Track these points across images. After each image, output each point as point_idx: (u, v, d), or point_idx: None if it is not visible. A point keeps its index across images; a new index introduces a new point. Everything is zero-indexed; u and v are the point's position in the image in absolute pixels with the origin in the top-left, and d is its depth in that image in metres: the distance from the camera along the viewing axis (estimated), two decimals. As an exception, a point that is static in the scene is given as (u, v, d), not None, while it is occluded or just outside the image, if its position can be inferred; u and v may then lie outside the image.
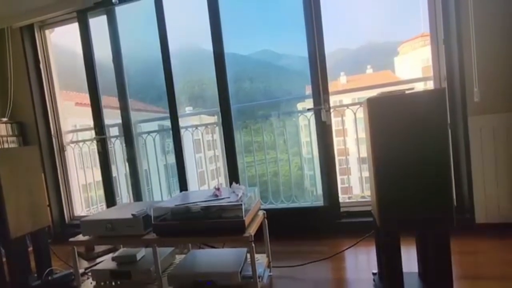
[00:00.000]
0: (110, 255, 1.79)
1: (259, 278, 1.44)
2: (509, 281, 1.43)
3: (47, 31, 2.95)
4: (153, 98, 3.14)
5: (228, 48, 2.43)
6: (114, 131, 2.89)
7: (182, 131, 2.63)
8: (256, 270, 1.40)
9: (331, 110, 2.27)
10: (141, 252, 1.76)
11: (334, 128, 2.28)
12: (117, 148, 2.93)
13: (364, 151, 1.44)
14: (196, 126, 2.78)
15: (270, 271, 1.72)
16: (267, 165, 2.64)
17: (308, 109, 2.35)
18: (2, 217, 1.65)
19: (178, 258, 1.87)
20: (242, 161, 2.60)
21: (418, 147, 1.18)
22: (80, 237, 1.62)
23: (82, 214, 3.07)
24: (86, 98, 2.81)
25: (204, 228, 1.42)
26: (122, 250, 1.84)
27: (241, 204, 1.39)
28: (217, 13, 2.39)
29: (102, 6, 2.59)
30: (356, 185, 2.91)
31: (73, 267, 1.64)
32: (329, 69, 2.24)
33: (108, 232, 1.55)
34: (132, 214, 1.52)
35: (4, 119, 2.80)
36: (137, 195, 2.75)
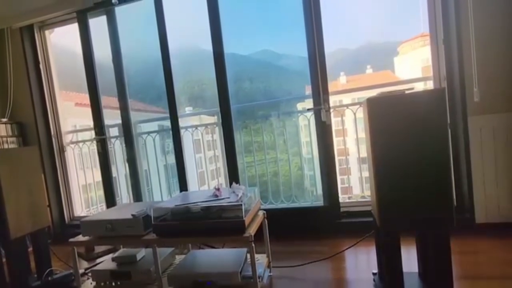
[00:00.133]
0: (110, 256, 1.79)
1: (259, 278, 1.44)
2: (509, 281, 1.43)
3: (46, 32, 2.95)
4: (153, 98, 3.14)
5: (228, 48, 2.43)
6: (114, 132, 2.89)
7: (182, 131, 2.63)
8: (256, 270, 1.40)
9: (331, 110, 2.27)
10: (141, 253, 1.76)
11: (334, 128, 2.28)
12: (117, 149, 2.93)
13: (364, 151, 1.44)
14: (196, 126, 2.78)
15: (270, 271, 1.72)
16: (267, 165, 2.64)
17: (308, 109, 2.35)
18: (2, 217, 1.65)
19: (178, 258, 1.87)
20: (242, 161, 2.60)
21: (418, 147, 1.18)
22: (80, 238, 1.62)
23: (82, 214, 3.07)
24: (86, 98, 2.80)
25: (204, 228, 1.41)
26: (122, 251, 1.84)
27: (241, 204, 1.39)
28: (217, 13, 2.39)
29: (102, 7, 2.59)
30: (356, 185, 2.91)
31: (73, 268, 1.64)
32: (329, 69, 2.24)
33: (108, 233, 1.55)
34: (132, 215, 1.52)
35: (4, 120, 2.80)
36: (137, 196, 2.75)
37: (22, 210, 1.74)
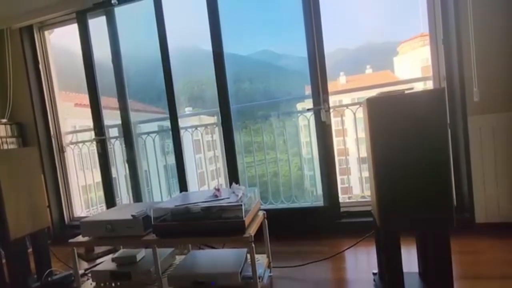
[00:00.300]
0: (110, 256, 1.79)
1: (259, 278, 1.44)
2: (509, 281, 1.43)
3: (46, 32, 2.94)
4: (152, 98, 3.14)
5: (228, 48, 2.43)
6: (113, 132, 2.88)
7: (181, 131, 2.63)
8: (256, 270, 1.39)
9: (331, 110, 2.27)
10: (141, 253, 1.75)
11: (333, 128, 2.28)
12: (116, 149, 2.93)
13: (364, 151, 1.44)
14: (196, 127, 2.78)
15: (270, 272, 1.72)
16: (267, 165, 2.64)
17: (308, 109, 2.35)
18: (2, 218, 1.64)
19: (178, 258, 1.87)
20: (242, 161, 2.60)
21: (418, 147, 1.18)
22: (80, 238, 1.62)
23: (82, 215, 3.06)
24: (85, 98, 2.80)
25: (204, 228, 1.41)
26: (122, 251, 1.84)
27: (241, 205, 1.39)
28: (216, 13, 2.39)
29: (101, 7, 2.59)
30: (356, 185, 2.91)
31: (73, 268, 1.64)
32: (329, 69, 2.24)
33: (108, 233, 1.54)
34: (132, 215, 1.52)
35: (4, 120, 2.79)
36: (137, 196, 2.74)
37: (22, 211, 1.74)
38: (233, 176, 2.47)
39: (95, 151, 2.81)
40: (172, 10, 2.53)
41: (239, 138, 2.59)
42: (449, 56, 2.03)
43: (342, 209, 2.31)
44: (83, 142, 3.03)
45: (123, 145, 2.75)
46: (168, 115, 2.59)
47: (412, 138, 1.18)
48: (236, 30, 2.66)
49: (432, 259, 1.28)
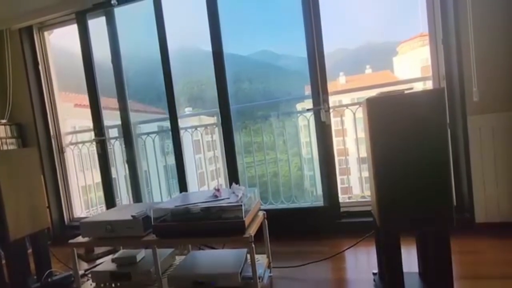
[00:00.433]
0: (110, 257, 1.79)
1: (259, 278, 1.44)
2: (509, 281, 1.43)
3: (46, 33, 2.94)
4: (152, 99, 3.14)
5: (227, 48, 2.43)
6: (113, 133, 2.88)
7: (181, 132, 2.63)
8: (256, 270, 1.39)
9: (331, 110, 2.27)
10: (141, 254, 1.75)
11: (333, 128, 2.28)
12: (116, 150, 2.93)
13: (364, 151, 1.44)
14: (196, 127, 2.78)
15: (270, 272, 1.72)
16: (266, 165, 2.64)
17: (308, 110, 2.35)
18: (2, 218, 1.64)
19: (178, 259, 1.87)
20: (241, 161, 2.60)
21: (418, 147, 1.18)
22: (80, 239, 1.62)
23: (82, 215, 3.06)
24: (85, 99, 2.80)
25: (204, 229, 1.41)
26: (122, 252, 1.84)
27: (241, 205, 1.39)
28: (216, 13, 2.39)
29: (101, 8, 2.59)
30: (356, 185, 2.91)
31: (72, 269, 1.64)
32: (328, 69, 2.24)
33: (107, 234, 1.54)
34: (132, 216, 1.52)
35: (3, 121, 2.79)
36: (137, 197, 2.74)
37: (21, 212, 1.74)
38: (233, 176, 2.47)
39: (95, 152, 2.81)
40: (172, 10, 2.53)
41: (239, 138, 2.59)
42: (449, 56, 2.04)
43: (342, 209, 2.31)
44: (83, 142, 3.03)
45: (123, 146, 2.75)
46: (168, 116, 2.59)
47: (412, 138, 1.18)
48: (236, 30, 2.66)
49: (432, 259, 1.28)
